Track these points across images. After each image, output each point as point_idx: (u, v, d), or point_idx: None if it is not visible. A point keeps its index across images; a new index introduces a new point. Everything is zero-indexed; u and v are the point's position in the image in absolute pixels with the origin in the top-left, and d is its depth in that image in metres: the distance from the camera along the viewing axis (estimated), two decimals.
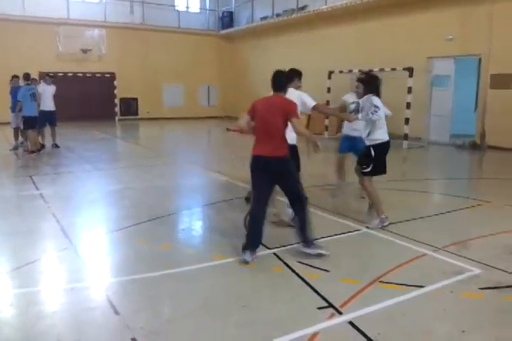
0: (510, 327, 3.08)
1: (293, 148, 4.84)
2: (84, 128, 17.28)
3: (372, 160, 5.15)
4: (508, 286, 3.65)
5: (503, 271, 3.94)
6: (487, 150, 11.76)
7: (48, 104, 11.25)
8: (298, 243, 4.43)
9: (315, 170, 8.26)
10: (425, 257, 4.30)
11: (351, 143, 6.28)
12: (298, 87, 5.42)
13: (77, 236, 4.94)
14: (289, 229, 5.39)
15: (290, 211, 4.89)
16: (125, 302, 3.42)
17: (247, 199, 5.93)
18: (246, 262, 4.07)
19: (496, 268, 4.00)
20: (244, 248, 4.15)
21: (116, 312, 3.21)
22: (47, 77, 11.83)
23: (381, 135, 5.14)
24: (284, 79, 4.64)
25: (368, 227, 5.16)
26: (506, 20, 11.33)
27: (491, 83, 11.90)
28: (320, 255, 4.23)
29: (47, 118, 11.17)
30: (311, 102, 5.27)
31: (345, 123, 6.28)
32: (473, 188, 8.09)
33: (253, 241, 4.21)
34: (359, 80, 5.49)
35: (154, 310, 3.29)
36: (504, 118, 11.60)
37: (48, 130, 11.53)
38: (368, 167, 5.18)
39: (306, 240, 4.31)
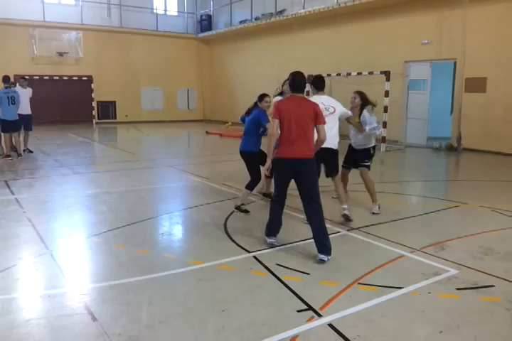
0: (488, 326, 3.13)
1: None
2: (61, 132, 17.03)
3: (371, 157, 6.21)
4: (484, 286, 3.71)
5: (480, 271, 4.01)
6: (463, 153, 11.98)
7: (24, 108, 11.03)
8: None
9: None
10: (403, 259, 4.35)
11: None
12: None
13: (53, 241, 4.86)
14: None
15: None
16: (103, 308, 3.37)
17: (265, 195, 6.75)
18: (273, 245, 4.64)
19: (472, 268, 4.07)
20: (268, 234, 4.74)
21: (94, 319, 3.16)
22: (21, 79, 11.58)
23: (374, 139, 6.27)
24: (304, 81, 4.70)
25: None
26: (480, 24, 11.59)
27: (466, 87, 12.14)
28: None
29: (22, 122, 10.94)
30: (347, 111, 5.84)
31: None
32: (449, 190, 8.22)
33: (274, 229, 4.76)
34: (357, 92, 6.15)
35: (133, 316, 3.25)
36: (479, 121, 11.85)
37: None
38: (369, 162, 6.16)
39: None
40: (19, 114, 10.64)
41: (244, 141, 6.11)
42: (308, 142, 4.43)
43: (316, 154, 4.79)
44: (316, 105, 4.52)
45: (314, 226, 4.43)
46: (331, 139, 5.27)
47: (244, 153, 6.12)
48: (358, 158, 6.16)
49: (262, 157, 5.69)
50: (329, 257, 4.27)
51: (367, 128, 5.85)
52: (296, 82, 4.55)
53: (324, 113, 4.99)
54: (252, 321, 3.16)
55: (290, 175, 4.50)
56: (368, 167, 6.12)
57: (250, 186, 6.03)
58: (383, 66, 12.69)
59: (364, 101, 6.02)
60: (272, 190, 5.44)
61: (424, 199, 7.16)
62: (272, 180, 5.09)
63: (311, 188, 4.45)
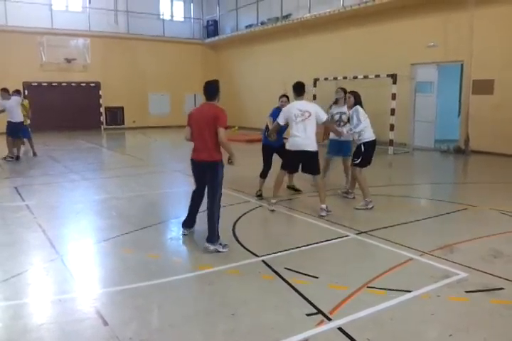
0: (498, 329, 3.12)
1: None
2: (70, 138, 17.16)
3: (362, 154, 6.30)
4: (493, 289, 3.70)
5: (489, 273, 4.00)
6: (471, 155, 11.92)
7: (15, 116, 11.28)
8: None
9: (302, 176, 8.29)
10: (412, 262, 4.35)
11: (339, 147, 7.24)
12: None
13: (64, 247, 4.90)
14: (277, 237, 5.43)
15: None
16: (114, 312, 3.39)
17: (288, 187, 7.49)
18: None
19: (481, 271, 4.06)
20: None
21: (105, 323, 3.19)
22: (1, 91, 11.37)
23: (368, 135, 6.33)
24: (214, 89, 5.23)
25: (356, 208, 6.26)
26: (487, 26, 11.56)
27: (474, 89, 12.10)
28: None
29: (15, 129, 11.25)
30: (323, 117, 6.07)
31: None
32: (458, 192, 8.19)
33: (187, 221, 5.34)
34: (350, 92, 6.58)
35: (143, 320, 3.28)
36: (487, 123, 11.79)
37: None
38: (358, 159, 6.31)
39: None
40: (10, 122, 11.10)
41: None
42: (208, 147, 4.94)
43: (293, 156, 6.03)
44: (219, 110, 4.95)
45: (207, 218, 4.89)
46: (308, 142, 5.93)
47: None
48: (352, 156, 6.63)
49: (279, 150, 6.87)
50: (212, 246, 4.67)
51: (344, 130, 6.62)
52: (206, 89, 5.13)
53: (300, 118, 5.88)
54: (261, 325, 3.17)
55: (199, 174, 5.17)
56: (358, 165, 6.34)
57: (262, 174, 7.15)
58: (390, 69, 12.68)
59: (357, 102, 6.38)
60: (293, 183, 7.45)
61: (433, 201, 7.13)
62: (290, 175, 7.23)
63: (210, 188, 5.00)
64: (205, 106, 5.12)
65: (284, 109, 6.20)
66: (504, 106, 11.42)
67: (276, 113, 6.60)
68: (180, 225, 5.34)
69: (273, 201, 6.37)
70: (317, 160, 6.13)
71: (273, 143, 6.85)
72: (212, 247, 4.67)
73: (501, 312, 3.34)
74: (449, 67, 13.23)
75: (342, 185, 7.51)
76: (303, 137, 5.91)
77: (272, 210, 6.28)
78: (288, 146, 6.19)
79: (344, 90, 7.31)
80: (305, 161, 6.10)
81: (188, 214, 5.31)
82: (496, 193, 7.57)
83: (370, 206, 6.29)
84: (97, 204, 6.95)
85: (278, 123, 6.21)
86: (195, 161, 5.15)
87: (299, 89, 6.12)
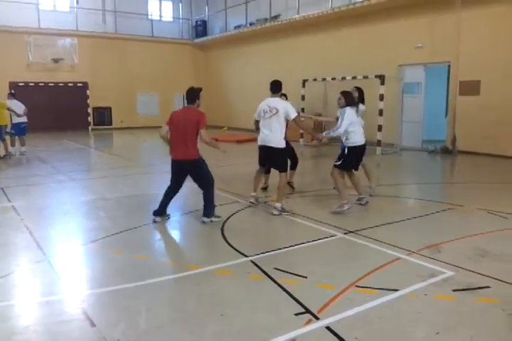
0: (484, 327, 3.16)
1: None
2: (57, 139, 17.02)
3: (345, 157, 6.22)
4: (479, 288, 3.74)
5: (475, 272, 4.04)
6: (458, 155, 12.04)
7: None
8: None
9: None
10: (399, 261, 4.38)
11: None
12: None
13: (51, 248, 4.86)
14: (266, 237, 5.44)
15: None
16: (101, 314, 3.37)
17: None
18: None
19: (468, 270, 4.10)
20: None
21: (93, 325, 3.17)
22: None
23: (355, 139, 6.21)
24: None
25: (332, 212, 6.10)
26: (473, 27, 11.68)
27: (460, 90, 12.22)
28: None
29: None
30: (291, 114, 6.14)
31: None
32: (445, 192, 8.27)
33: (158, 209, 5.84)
34: (341, 92, 6.43)
35: (131, 321, 3.26)
36: (473, 124, 11.92)
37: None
38: (339, 161, 6.23)
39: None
40: None
41: None
42: (187, 146, 5.54)
43: (259, 151, 6.42)
44: (200, 114, 5.65)
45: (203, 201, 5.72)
46: (271, 138, 6.13)
47: None
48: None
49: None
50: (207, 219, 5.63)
51: (324, 133, 6.41)
52: (187, 95, 5.82)
53: (268, 114, 6.14)
54: (250, 325, 3.18)
55: (178, 171, 5.68)
56: (338, 167, 6.22)
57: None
58: (378, 70, 12.77)
59: (348, 102, 6.23)
60: (292, 179, 7.42)
61: (420, 201, 7.19)
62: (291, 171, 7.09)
63: (198, 181, 5.73)
64: (186, 111, 5.73)
65: (259, 106, 6.40)
66: (490, 106, 11.55)
67: None
68: (152, 214, 5.77)
69: (252, 194, 6.65)
70: (282, 157, 6.28)
71: None
72: (207, 219, 5.60)
73: (488, 310, 3.37)
74: (436, 68, 13.36)
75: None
76: (266, 133, 6.19)
77: (251, 202, 6.57)
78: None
79: (359, 89, 7.20)
80: (268, 156, 6.36)
81: (160, 206, 5.80)
82: (482, 193, 7.65)
83: (345, 208, 6.04)
84: (85, 205, 6.91)
85: (254, 119, 6.51)
86: (175, 161, 5.63)
87: (274, 87, 6.33)
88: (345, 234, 5.24)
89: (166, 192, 5.83)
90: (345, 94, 6.34)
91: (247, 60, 19.92)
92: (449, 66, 12.63)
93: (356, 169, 6.54)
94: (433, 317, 3.30)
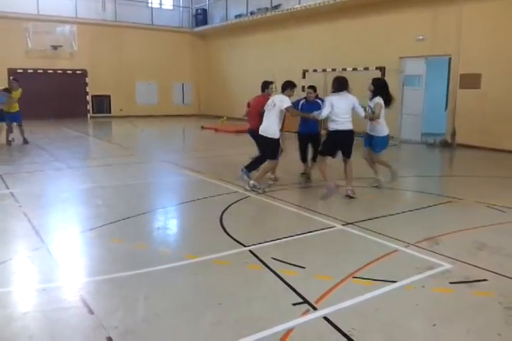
0: (480, 319, 3.17)
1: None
2: (56, 126, 16.95)
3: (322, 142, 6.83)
4: (477, 280, 3.75)
5: (473, 265, 4.05)
6: (457, 148, 12.04)
7: None
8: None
9: (291, 168, 8.33)
10: (397, 253, 4.39)
11: (369, 140, 7.21)
12: (290, 95, 6.93)
13: (49, 235, 4.86)
14: (264, 227, 5.45)
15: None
16: (99, 301, 3.38)
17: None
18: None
19: (465, 263, 4.11)
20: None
21: (91, 312, 3.17)
22: None
23: (331, 126, 6.51)
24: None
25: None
26: (475, 20, 11.61)
27: (461, 83, 12.18)
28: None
29: None
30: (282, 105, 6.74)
31: (368, 123, 7.14)
32: (444, 185, 8.27)
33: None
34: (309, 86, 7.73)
35: (129, 309, 3.27)
36: (473, 118, 11.90)
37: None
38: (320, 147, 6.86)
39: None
40: None
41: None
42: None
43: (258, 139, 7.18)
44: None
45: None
46: (265, 128, 6.78)
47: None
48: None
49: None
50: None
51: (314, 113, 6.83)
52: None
53: (268, 107, 6.83)
54: (248, 315, 3.19)
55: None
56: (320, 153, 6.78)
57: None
58: (379, 62, 12.71)
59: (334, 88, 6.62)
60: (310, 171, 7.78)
61: (419, 194, 7.19)
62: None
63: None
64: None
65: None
66: (491, 100, 11.52)
67: (297, 104, 7.52)
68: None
69: (269, 182, 7.32)
70: (271, 146, 6.79)
71: (307, 131, 7.55)
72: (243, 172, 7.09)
73: (484, 303, 3.39)
74: (436, 61, 13.29)
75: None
76: (263, 124, 6.84)
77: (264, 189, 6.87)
78: None
79: (373, 81, 7.21)
80: (262, 144, 7.16)
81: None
82: (481, 187, 7.66)
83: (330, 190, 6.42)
84: (83, 193, 6.90)
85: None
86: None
87: (284, 86, 6.97)
88: (343, 225, 5.24)
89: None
90: (313, 87, 7.47)
91: (247, 50, 19.79)
92: (449, 59, 12.57)
93: (330, 155, 6.71)
94: (430, 309, 3.31)
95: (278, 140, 6.80)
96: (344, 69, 13.39)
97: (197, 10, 22.70)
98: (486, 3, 11.42)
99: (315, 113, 6.74)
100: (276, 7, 17.57)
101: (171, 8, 23.02)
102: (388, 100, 6.92)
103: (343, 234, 5.04)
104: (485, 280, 3.76)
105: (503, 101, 11.28)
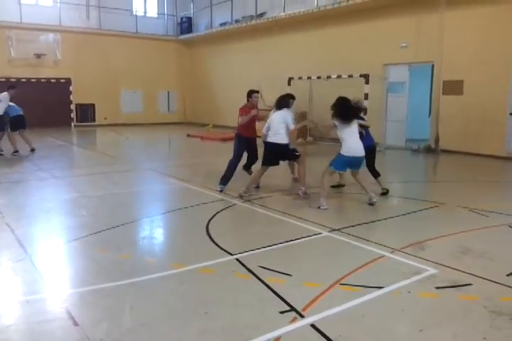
0: (467, 324, 3.19)
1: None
2: (39, 135, 16.73)
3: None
4: (462, 285, 3.78)
5: (458, 270, 4.09)
6: (441, 154, 12.17)
7: None
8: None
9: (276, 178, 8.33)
10: (384, 259, 4.41)
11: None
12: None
13: (33, 246, 4.79)
14: (251, 235, 5.43)
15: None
16: (84, 313, 3.33)
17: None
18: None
19: (450, 267, 4.15)
20: None
21: (76, 324, 3.12)
22: None
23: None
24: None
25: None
26: (456, 28, 11.81)
27: (444, 89, 12.35)
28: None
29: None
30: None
31: None
32: (428, 191, 8.35)
33: None
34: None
35: (115, 320, 3.23)
36: (456, 123, 12.06)
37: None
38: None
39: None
40: None
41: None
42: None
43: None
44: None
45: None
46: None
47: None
48: None
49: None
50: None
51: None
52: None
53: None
54: (235, 323, 3.17)
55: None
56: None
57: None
58: (363, 69, 12.83)
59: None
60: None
61: (404, 200, 7.25)
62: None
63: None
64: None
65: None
66: (473, 106, 11.69)
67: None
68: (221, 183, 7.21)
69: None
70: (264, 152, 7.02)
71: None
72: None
73: (470, 307, 3.42)
74: (420, 68, 13.48)
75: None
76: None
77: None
78: None
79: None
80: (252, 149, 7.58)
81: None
82: (464, 191, 7.75)
83: (322, 207, 6.25)
84: (67, 203, 6.82)
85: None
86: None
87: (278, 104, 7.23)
88: (330, 232, 5.26)
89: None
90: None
91: (233, 57, 19.85)
92: (432, 66, 12.76)
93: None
94: (417, 314, 3.33)
95: (266, 146, 7.00)
96: (329, 77, 13.51)
97: (182, 18, 22.73)
98: (467, 11, 11.63)
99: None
100: (261, 15, 17.69)
101: (156, 16, 23.04)
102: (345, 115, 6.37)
103: (330, 240, 5.05)
104: (470, 284, 3.79)
105: (485, 107, 11.46)
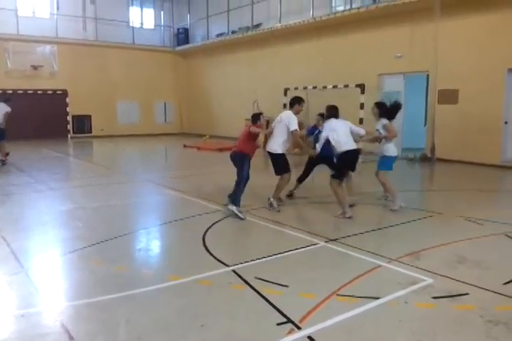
0: (463, 333, 3.19)
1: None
2: (36, 147, 16.77)
3: (338, 165, 6.65)
4: (458, 295, 3.78)
5: (454, 279, 4.09)
6: (437, 163, 12.22)
7: None
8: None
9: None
10: (380, 269, 4.40)
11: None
12: (299, 111, 6.94)
13: (28, 259, 4.77)
14: (248, 246, 5.42)
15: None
16: (80, 326, 3.31)
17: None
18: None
19: (447, 277, 4.15)
20: None
21: (71, 337, 3.11)
22: None
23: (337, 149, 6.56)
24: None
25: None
26: (451, 38, 11.92)
27: (439, 98, 12.43)
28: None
29: None
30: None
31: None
32: (425, 200, 8.37)
33: None
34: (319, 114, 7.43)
35: (110, 333, 3.21)
36: (452, 132, 12.12)
37: None
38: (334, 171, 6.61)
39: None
40: None
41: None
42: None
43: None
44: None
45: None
46: (270, 144, 6.80)
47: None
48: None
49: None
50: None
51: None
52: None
53: (275, 123, 6.84)
54: (231, 335, 3.15)
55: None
56: (334, 176, 6.49)
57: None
58: (358, 79, 12.91)
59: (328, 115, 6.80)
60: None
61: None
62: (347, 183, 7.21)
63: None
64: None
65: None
66: (468, 115, 11.77)
67: (311, 131, 7.61)
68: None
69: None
70: (277, 162, 6.81)
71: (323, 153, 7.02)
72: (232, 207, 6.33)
73: (466, 317, 3.41)
74: (415, 78, 13.57)
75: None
76: (269, 141, 6.85)
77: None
78: None
79: (377, 104, 7.28)
80: (271, 161, 6.94)
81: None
82: (460, 200, 7.77)
83: (347, 216, 6.32)
84: (64, 215, 6.80)
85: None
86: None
87: (290, 102, 6.98)
88: (326, 242, 5.25)
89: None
90: (327, 107, 6.88)
91: (229, 68, 19.97)
92: (427, 75, 12.85)
93: (352, 170, 6.94)
94: (414, 324, 3.32)
95: (282, 154, 6.79)
96: (325, 87, 13.59)
97: (178, 29, 22.89)
98: (461, 21, 11.75)
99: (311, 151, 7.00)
100: (257, 26, 17.84)
101: (153, 27, 23.19)
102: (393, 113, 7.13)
103: (327, 251, 5.04)
104: (466, 294, 3.79)
105: (481, 115, 11.53)
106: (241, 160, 6.55)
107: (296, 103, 6.85)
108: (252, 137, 6.57)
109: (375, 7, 12.94)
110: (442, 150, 12.28)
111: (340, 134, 6.44)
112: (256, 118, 6.92)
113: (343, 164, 6.54)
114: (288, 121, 6.65)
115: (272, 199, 6.78)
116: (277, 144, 6.74)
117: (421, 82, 13.60)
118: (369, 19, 13.63)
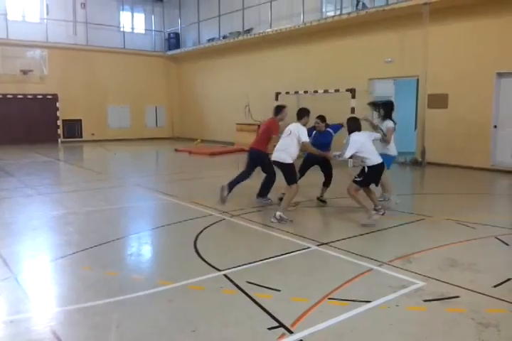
0: (454, 336, 3.20)
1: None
2: (26, 152, 16.65)
3: (365, 175, 6.41)
4: (450, 297, 3.80)
5: (445, 282, 4.11)
6: (427, 167, 12.30)
7: None
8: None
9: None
10: (371, 272, 4.42)
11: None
12: (306, 123, 6.89)
13: (18, 265, 4.72)
14: (239, 251, 5.42)
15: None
16: (70, 332, 3.29)
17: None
18: None
19: (438, 280, 4.17)
20: None
21: None
22: None
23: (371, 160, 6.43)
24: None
25: (363, 225, 6.14)
26: (440, 43, 12.05)
27: (429, 103, 12.54)
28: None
29: None
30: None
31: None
32: (415, 203, 8.41)
33: None
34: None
35: (101, 339, 3.18)
36: (442, 136, 12.22)
37: None
38: (359, 178, 6.41)
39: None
40: None
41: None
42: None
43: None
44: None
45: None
46: (277, 154, 6.65)
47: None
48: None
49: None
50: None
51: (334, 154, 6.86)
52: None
53: (284, 134, 6.72)
54: (223, 340, 3.14)
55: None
56: (357, 183, 6.39)
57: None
58: (349, 84, 12.99)
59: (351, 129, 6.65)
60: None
61: (391, 212, 7.26)
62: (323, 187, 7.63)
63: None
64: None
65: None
66: (458, 119, 11.87)
67: (309, 134, 7.33)
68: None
69: (289, 208, 6.82)
70: (287, 172, 6.58)
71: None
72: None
73: (458, 319, 3.43)
74: (405, 82, 13.67)
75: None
76: (276, 150, 6.72)
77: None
78: None
79: (383, 104, 7.75)
80: (282, 171, 6.74)
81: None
82: (450, 204, 7.82)
83: (377, 217, 6.28)
84: (54, 220, 6.75)
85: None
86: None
87: (298, 114, 6.90)
88: (318, 245, 5.26)
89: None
90: (349, 120, 6.83)
91: (220, 73, 20.00)
92: (417, 80, 12.95)
93: (376, 184, 6.94)
94: (405, 327, 3.33)
95: (291, 164, 6.61)
96: (316, 92, 13.66)
97: (169, 34, 22.90)
98: (450, 26, 11.87)
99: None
100: (248, 31, 17.90)
101: (143, 32, 23.18)
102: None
103: (318, 254, 5.05)
104: (457, 296, 3.81)
105: (470, 119, 11.63)
106: (262, 160, 7.31)
107: (305, 115, 6.86)
108: (270, 139, 7.09)
109: (365, 12, 13.05)
110: (432, 154, 12.37)
111: (368, 147, 6.37)
112: (278, 110, 7.26)
113: (372, 177, 6.43)
114: (298, 132, 6.60)
115: (278, 213, 6.38)
116: (288, 155, 6.58)
117: (411, 87, 13.70)
118: (359, 24, 13.73)
